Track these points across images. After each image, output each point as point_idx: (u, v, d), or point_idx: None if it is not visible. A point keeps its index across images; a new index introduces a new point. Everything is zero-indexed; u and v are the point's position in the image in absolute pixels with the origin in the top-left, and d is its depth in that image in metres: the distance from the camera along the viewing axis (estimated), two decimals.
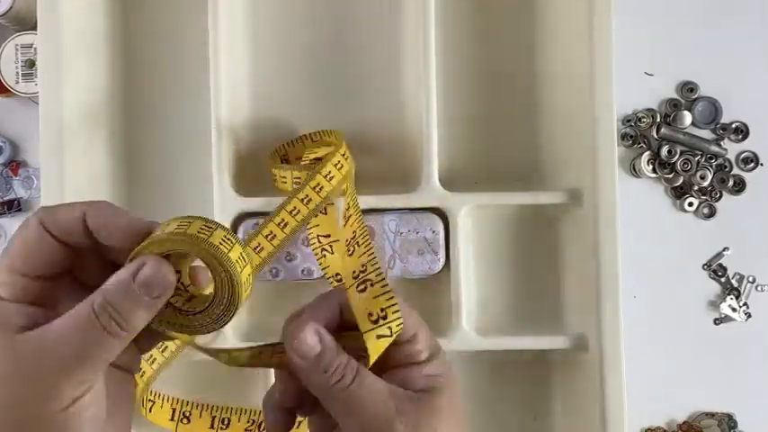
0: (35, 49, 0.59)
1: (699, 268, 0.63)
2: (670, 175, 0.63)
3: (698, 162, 0.63)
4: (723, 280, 0.63)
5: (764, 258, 0.63)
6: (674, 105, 0.63)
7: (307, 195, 0.50)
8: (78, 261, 0.32)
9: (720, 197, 0.63)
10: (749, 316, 0.63)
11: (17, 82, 0.60)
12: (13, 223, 0.63)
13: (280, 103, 0.57)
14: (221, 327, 0.32)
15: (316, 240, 0.51)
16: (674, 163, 0.62)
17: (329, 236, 0.50)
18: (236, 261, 0.30)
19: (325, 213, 0.51)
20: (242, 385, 0.54)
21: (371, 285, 0.32)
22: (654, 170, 0.63)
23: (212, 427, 0.49)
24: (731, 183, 0.63)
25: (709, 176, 0.62)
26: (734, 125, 0.63)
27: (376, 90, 0.57)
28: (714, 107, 0.63)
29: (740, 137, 0.63)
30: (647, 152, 0.63)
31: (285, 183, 0.52)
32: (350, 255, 0.33)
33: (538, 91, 0.57)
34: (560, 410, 0.57)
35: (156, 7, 0.57)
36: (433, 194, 0.53)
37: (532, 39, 0.57)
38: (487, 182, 0.57)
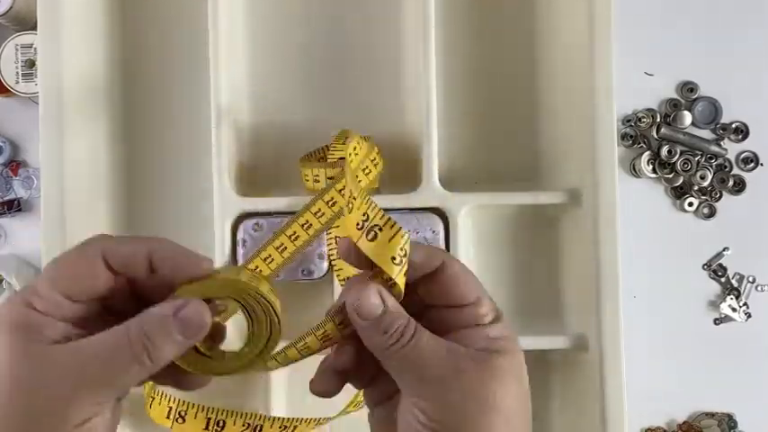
0: (35, 49, 0.59)
1: (699, 268, 0.63)
2: (670, 175, 0.62)
3: (698, 162, 0.63)
4: (723, 280, 0.63)
5: (764, 258, 0.63)
6: (674, 105, 0.63)
7: (319, 209, 0.50)
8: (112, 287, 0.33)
9: (720, 197, 0.63)
10: (749, 316, 0.63)
11: (17, 82, 0.60)
12: (12, 223, 0.63)
13: (280, 104, 0.57)
14: (268, 358, 0.33)
15: (333, 242, 0.52)
16: (674, 163, 0.62)
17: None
18: (269, 292, 0.33)
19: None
20: (242, 388, 0.54)
21: (380, 230, 0.32)
22: (654, 170, 0.63)
23: (207, 428, 0.49)
24: (731, 183, 0.63)
25: (709, 176, 0.62)
26: (734, 125, 0.63)
27: (376, 90, 0.57)
28: (714, 107, 0.63)
29: (740, 137, 0.63)
30: (647, 152, 0.63)
31: (318, 182, 0.52)
32: (350, 212, 0.33)
33: (538, 91, 0.57)
34: (560, 410, 0.57)
35: (156, 8, 0.58)
36: (433, 194, 0.53)
37: (532, 39, 0.57)
38: (487, 182, 0.57)
